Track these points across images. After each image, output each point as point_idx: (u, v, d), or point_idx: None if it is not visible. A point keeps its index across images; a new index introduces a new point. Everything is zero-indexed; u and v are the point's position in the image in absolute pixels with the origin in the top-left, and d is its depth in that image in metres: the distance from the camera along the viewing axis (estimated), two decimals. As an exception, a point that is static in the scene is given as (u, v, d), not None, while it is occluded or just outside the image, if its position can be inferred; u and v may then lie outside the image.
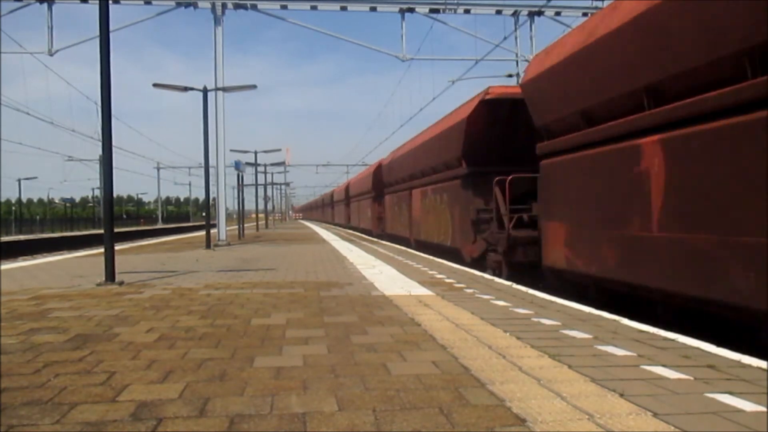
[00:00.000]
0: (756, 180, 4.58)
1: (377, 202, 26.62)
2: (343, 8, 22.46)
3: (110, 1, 9.10)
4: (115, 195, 9.04)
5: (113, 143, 8.32)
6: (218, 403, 2.88)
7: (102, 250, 8.48)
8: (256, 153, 31.56)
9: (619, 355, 3.79)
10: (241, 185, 27.87)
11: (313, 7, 22.32)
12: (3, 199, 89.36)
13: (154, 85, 15.77)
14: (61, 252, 24.84)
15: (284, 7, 22.12)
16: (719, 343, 4.13)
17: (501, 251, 10.59)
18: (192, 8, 21.21)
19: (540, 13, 23.58)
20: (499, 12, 23.31)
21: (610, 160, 6.81)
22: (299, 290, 7.20)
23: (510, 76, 23.53)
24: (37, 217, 78.16)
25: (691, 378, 3.25)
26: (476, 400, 2.90)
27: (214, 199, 20.84)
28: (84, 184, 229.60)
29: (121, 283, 7.99)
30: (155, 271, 10.02)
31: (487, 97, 11.43)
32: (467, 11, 22.92)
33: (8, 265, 12.01)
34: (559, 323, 4.88)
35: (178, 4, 21.33)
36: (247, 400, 2.92)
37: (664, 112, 5.84)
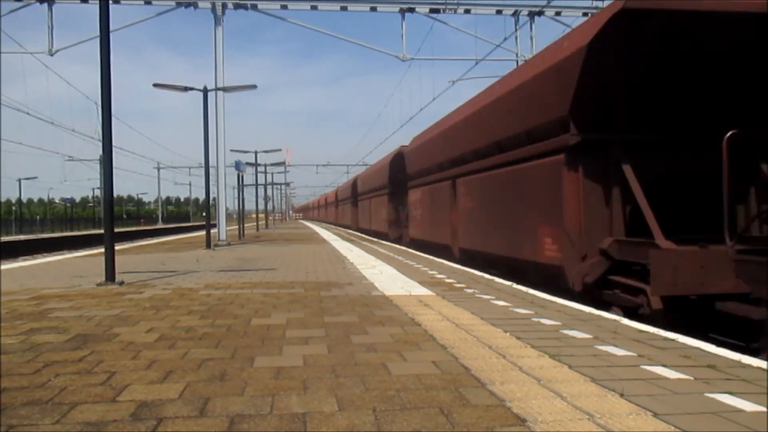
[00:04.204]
0: None
1: (395, 200, 22.27)
2: (343, 8, 22.46)
3: (110, 1, 9.09)
4: (115, 195, 9.03)
5: (113, 143, 8.32)
6: (218, 403, 2.88)
7: (102, 250, 8.47)
8: (256, 153, 31.59)
9: (619, 355, 3.79)
10: (241, 185, 27.89)
11: (313, 7, 22.33)
12: (3, 199, 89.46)
13: (155, 85, 15.78)
14: (62, 252, 24.84)
15: (284, 7, 22.13)
16: (719, 343, 4.13)
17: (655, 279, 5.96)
18: (192, 8, 21.22)
19: (540, 13, 23.58)
20: (499, 12, 23.32)
21: None
22: (299, 290, 7.20)
23: None
24: (38, 217, 78.17)
25: (691, 378, 3.25)
26: (476, 400, 2.90)
27: (214, 199, 20.84)
28: (84, 184, 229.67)
29: (121, 283, 7.99)
30: (155, 271, 10.02)
31: (629, 6, 6.46)
32: (467, 11, 22.92)
33: (8, 265, 12.01)
34: (559, 323, 4.88)
35: (179, 4, 21.34)
36: (247, 400, 2.92)
37: None
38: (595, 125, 7.21)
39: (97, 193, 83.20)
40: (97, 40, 8.12)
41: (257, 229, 36.73)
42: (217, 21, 20.55)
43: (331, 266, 10.53)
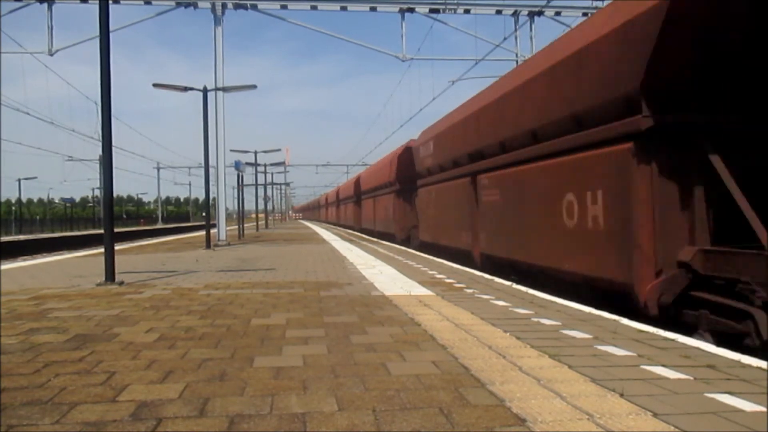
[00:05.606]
0: None
1: (402, 198, 20.22)
2: (343, 8, 22.45)
3: (110, 1, 9.09)
4: (115, 195, 9.03)
5: (113, 143, 8.32)
6: (218, 403, 2.88)
7: (102, 250, 8.47)
8: (256, 153, 31.55)
9: (619, 355, 3.79)
10: (241, 185, 27.86)
11: (313, 7, 22.32)
12: (3, 199, 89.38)
13: (154, 85, 15.76)
14: (61, 252, 24.82)
15: (284, 7, 22.12)
16: (719, 343, 4.12)
17: None
18: (192, 8, 21.21)
19: (540, 13, 23.58)
20: (499, 12, 23.31)
21: None
22: (299, 290, 7.20)
23: None
24: (37, 217, 78.12)
25: (691, 378, 3.25)
26: (476, 400, 2.89)
27: (214, 199, 20.84)
28: (84, 184, 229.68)
29: (120, 283, 7.98)
30: (155, 271, 10.02)
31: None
32: (467, 11, 22.91)
33: (8, 265, 12.00)
34: (559, 323, 4.88)
35: (178, 4, 21.33)
36: (246, 400, 2.92)
37: None
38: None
39: (97, 193, 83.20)
40: (97, 40, 8.12)
41: (257, 229, 36.72)
42: (217, 21, 20.55)
43: (330, 266, 10.52)
